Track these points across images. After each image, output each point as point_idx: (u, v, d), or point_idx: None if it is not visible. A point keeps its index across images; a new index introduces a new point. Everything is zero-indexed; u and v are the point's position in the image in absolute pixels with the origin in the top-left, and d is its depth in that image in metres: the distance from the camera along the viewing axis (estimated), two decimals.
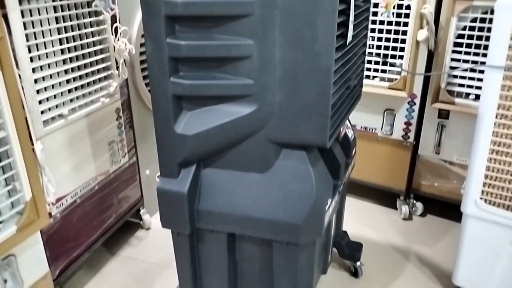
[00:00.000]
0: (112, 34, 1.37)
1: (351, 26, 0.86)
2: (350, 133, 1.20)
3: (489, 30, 1.38)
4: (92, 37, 1.31)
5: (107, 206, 1.49)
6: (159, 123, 0.93)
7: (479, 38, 1.41)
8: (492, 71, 1.05)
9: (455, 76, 1.49)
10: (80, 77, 1.28)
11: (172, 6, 0.81)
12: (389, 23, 1.51)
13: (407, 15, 1.47)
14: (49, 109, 1.18)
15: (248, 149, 0.94)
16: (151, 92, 0.91)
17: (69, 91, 1.24)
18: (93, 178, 1.39)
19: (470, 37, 1.42)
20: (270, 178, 0.96)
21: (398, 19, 1.49)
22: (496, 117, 1.08)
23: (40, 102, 1.14)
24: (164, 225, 1.04)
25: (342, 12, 0.83)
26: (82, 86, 1.29)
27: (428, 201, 1.78)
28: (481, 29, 1.40)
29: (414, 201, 1.79)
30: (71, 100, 1.26)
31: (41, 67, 1.14)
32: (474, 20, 1.40)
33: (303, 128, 0.88)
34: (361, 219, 1.80)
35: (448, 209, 1.72)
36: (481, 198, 1.17)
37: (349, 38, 0.88)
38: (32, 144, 0.98)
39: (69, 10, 1.20)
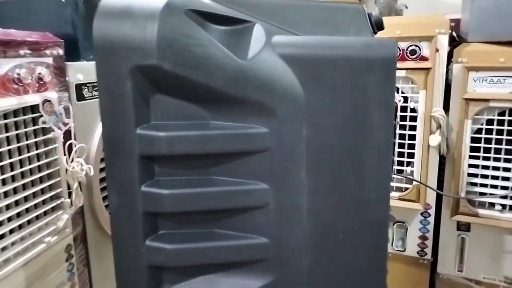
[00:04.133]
0: (65, 154, 1.09)
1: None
2: None
3: (509, 132, 1.22)
4: (38, 160, 1.02)
5: None
6: None
7: (498, 140, 1.24)
8: None
9: (475, 184, 1.29)
10: (18, 215, 0.96)
11: (151, 143, 0.55)
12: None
13: (413, 118, 1.29)
14: None
15: None
16: (114, 262, 0.61)
17: (1, 236, 0.92)
18: None
19: (487, 140, 1.26)
20: None
21: (403, 123, 1.31)
22: None
23: None
24: None
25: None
26: (20, 227, 0.97)
27: None
28: (499, 130, 1.23)
29: None
30: (2, 249, 0.92)
31: None
32: (489, 121, 1.25)
33: None
34: None
35: None
36: None
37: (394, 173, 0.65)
38: None
39: (6, 132, 0.92)
